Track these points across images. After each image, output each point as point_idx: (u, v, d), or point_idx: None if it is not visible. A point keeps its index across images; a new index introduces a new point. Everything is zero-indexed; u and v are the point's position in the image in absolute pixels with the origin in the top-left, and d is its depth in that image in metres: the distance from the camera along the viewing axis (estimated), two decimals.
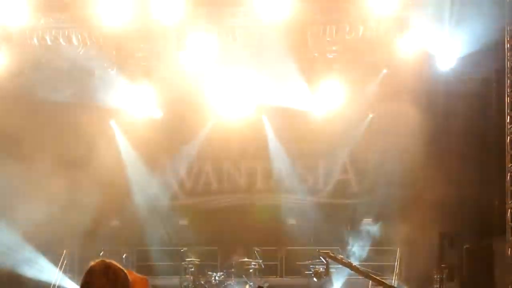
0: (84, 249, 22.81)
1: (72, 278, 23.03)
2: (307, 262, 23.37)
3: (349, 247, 23.53)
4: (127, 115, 24.34)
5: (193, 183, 25.94)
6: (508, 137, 20.63)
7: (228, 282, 22.94)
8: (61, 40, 21.58)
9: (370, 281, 21.77)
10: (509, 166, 20.58)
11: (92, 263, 4.40)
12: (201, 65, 22.15)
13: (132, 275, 4.61)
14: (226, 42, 21.44)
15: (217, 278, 22.76)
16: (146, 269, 22.72)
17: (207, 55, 21.76)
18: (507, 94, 20.67)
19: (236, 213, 25.03)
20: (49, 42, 21.67)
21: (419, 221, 21.96)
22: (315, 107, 23.85)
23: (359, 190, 24.94)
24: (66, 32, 21.50)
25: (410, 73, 22.08)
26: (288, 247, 24.54)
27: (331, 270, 22.41)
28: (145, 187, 24.91)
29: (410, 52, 21.16)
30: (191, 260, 23.14)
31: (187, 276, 22.95)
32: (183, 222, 25.39)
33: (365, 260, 23.04)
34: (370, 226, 23.77)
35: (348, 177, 25.25)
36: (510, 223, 20.49)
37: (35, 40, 21.58)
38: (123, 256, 22.88)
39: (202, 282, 22.78)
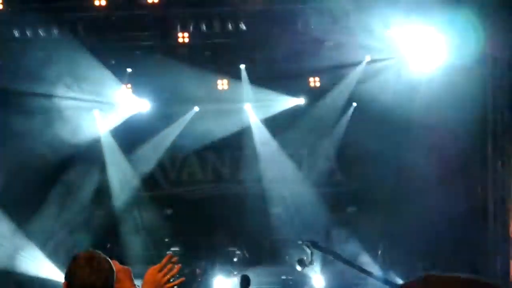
0: (68, 240, 22.82)
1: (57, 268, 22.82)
2: (291, 251, 22.67)
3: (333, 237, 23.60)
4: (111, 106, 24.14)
5: (177, 172, 25.90)
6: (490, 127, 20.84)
7: (212, 272, 22.98)
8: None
9: (354, 269, 22.10)
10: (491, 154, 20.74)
11: (76, 253, 4.40)
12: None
13: (116, 265, 4.59)
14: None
15: (201, 268, 22.85)
16: (130, 259, 22.76)
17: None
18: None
19: (220, 203, 24.83)
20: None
21: (403, 210, 22.00)
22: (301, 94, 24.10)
23: (343, 179, 24.98)
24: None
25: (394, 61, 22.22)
26: (273, 237, 24.44)
27: (315, 259, 22.45)
28: (127, 176, 24.81)
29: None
30: (175, 250, 22.99)
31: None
32: (168, 211, 25.36)
33: (350, 248, 22.51)
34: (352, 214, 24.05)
35: (332, 165, 25.20)
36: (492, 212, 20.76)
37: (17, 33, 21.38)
38: (107, 246, 22.66)
39: (186, 272, 22.40)
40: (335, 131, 24.40)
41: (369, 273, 21.16)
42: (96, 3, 19.94)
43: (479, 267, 20.67)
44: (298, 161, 25.31)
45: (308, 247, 21.98)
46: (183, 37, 21.12)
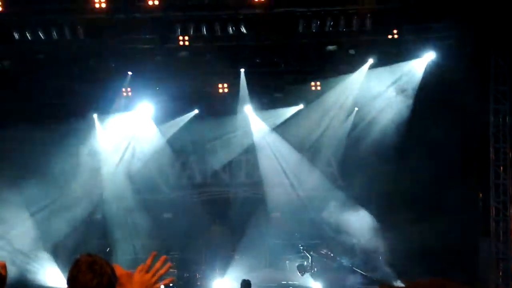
0: (68, 243, 22.76)
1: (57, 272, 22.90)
2: (290, 256, 23.38)
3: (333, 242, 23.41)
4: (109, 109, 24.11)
5: (177, 176, 25.66)
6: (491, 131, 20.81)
7: (212, 276, 22.89)
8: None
9: (354, 275, 21.94)
10: (493, 159, 20.73)
11: (77, 257, 4.32)
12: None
13: (119, 269, 4.54)
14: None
15: (201, 272, 22.85)
16: (130, 262, 22.71)
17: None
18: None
19: (220, 207, 24.87)
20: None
21: (402, 215, 21.99)
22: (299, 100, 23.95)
23: (342, 184, 24.54)
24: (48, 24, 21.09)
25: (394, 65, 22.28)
26: (273, 241, 24.10)
27: (315, 264, 22.56)
28: (129, 180, 24.76)
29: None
30: (174, 254, 22.96)
31: (171, 270, 22.57)
32: (168, 215, 25.23)
33: (349, 253, 22.84)
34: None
35: (332, 170, 24.95)
36: (494, 217, 20.80)
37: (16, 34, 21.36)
38: (107, 250, 22.79)
39: (186, 276, 22.71)
40: (335, 136, 24.28)
41: (370, 279, 21.60)
42: (97, 5, 19.90)
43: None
44: (297, 166, 25.01)
45: (308, 252, 22.42)
46: (183, 40, 21.20)
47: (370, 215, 22.68)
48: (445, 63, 21.30)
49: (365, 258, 22.64)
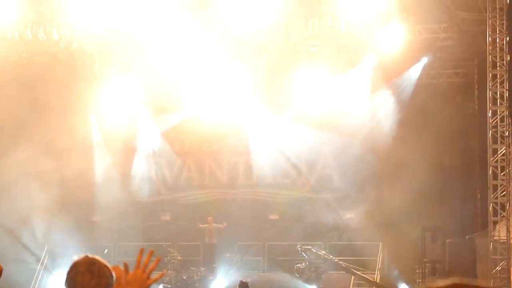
0: (65, 245, 22.60)
1: (53, 274, 23.05)
2: (289, 258, 23.42)
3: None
4: (108, 110, 24.36)
5: (175, 178, 25.79)
6: (490, 132, 20.89)
7: (211, 278, 22.97)
8: (42, 34, 21.71)
9: (353, 276, 22.07)
10: (491, 160, 20.81)
11: (75, 258, 4.24)
12: (182, 60, 22.23)
13: (119, 270, 4.53)
14: (209, 36, 21.54)
15: (199, 273, 22.77)
16: (131, 264, 22.51)
17: (189, 50, 21.88)
18: (489, 89, 20.86)
19: (218, 208, 24.92)
20: (29, 37, 21.78)
21: (401, 216, 22.14)
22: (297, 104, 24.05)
23: (341, 185, 24.64)
24: (48, 26, 21.61)
25: (390, 67, 22.52)
26: (270, 242, 24.51)
27: (314, 265, 22.54)
28: (125, 182, 24.93)
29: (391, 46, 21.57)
30: (173, 255, 23.20)
31: (170, 271, 22.82)
32: (165, 217, 25.37)
33: (348, 255, 23.11)
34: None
35: (331, 172, 25.11)
36: (492, 218, 20.84)
37: (16, 35, 21.68)
38: (105, 252, 22.67)
39: (185, 278, 22.74)
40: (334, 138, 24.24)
41: (368, 280, 21.64)
42: None
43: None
44: (296, 167, 25.23)
45: (306, 253, 22.43)
46: None
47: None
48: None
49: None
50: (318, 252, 22.49)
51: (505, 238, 20.39)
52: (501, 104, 20.80)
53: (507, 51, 20.37)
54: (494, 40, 20.68)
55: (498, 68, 20.69)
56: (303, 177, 25.27)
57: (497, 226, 20.70)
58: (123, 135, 24.63)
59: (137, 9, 20.70)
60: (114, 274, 4.29)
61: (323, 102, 23.81)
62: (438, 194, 22.92)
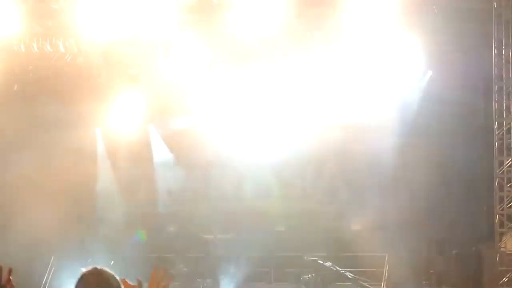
0: (72, 257, 22.38)
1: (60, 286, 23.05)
2: (296, 270, 23.39)
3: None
4: (113, 124, 24.30)
5: (180, 189, 25.39)
6: (496, 143, 20.96)
7: None
8: (48, 47, 21.83)
9: None
10: (497, 172, 20.90)
11: (83, 270, 4.34)
12: (189, 73, 22.22)
13: (126, 284, 4.55)
14: (214, 49, 21.64)
15: (204, 284, 22.90)
16: (133, 277, 22.43)
17: (195, 63, 21.85)
18: (495, 100, 20.96)
19: (224, 220, 24.57)
20: (35, 49, 21.83)
21: (407, 227, 22.03)
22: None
23: (347, 196, 24.26)
24: (54, 39, 21.64)
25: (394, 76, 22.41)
26: (277, 254, 24.18)
27: (320, 277, 22.66)
28: (131, 194, 24.70)
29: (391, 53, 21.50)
30: (179, 268, 23.05)
31: (176, 283, 22.46)
32: (171, 228, 25.24)
33: (354, 266, 23.09)
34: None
35: (337, 182, 24.59)
36: (498, 229, 21.00)
37: (22, 47, 21.73)
38: (111, 263, 21.57)
39: None
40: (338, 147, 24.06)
41: None
42: None
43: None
44: (302, 178, 25.00)
45: (313, 265, 22.48)
46: None
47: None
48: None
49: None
50: (324, 264, 22.70)
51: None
52: (507, 116, 20.98)
53: None
54: (500, 53, 20.85)
55: (504, 81, 20.90)
56: (309, 188, 24.78)
57: (504, 238, 20.91)
58: (128, 148, 24.44)
59: (143, 20, 20.66)
60: (122, 286, 4.43)
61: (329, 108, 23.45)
62: (444, 204, 22.81)
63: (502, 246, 20.88)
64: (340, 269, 22.56)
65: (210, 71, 22.45)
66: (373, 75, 22.35)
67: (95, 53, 22.06)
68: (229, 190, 25.31)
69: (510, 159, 20.89)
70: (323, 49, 21.63)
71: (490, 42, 20.66)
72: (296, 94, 23.12)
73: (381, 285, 22.58)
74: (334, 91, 22.94)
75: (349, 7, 20.44)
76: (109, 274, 4.39)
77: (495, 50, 20.58)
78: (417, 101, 22.76)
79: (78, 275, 4.30)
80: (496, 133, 20.90)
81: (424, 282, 22.56)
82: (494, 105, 20.92)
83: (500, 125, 20.90)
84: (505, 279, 20.45)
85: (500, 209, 20.84)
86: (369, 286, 22.29)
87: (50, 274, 23.50)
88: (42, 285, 23.16)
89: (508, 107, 20.81)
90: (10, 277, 4.08)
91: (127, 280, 4.61)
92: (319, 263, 22.56)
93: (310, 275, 22.76)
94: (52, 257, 23.67)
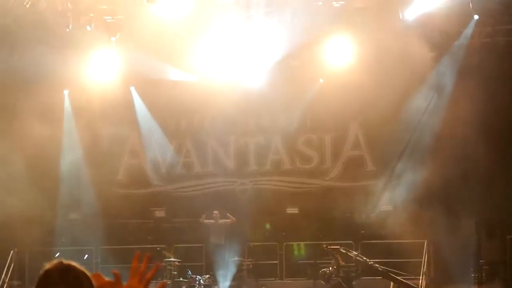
0: (36, 249, 22.80)
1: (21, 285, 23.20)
2: (312, 261, 23.25)
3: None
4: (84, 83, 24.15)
5: (170, 165, 25.66)
6: None
7: (215, 287, 22.76)
8: None
9: (392, 283, 21.68)
10: None
11: (47, 265, 4.19)
12: (174, 20, 22.20)
13: (100, 279, 4.46)
14: None
15: (202, 281, 22.42)
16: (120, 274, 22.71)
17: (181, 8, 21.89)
18: None
19: (223, 201, 24.69)
20: None
21: (451, 208, 22.14)
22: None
23: (375, 169, 24.74)
24: None
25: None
26: (289, 242, 24.34)
27: (344, 270, 21.95)
28: (107, 171, 24.92)
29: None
30: (170, 261, 22.82)
31: (166, 280, 22.31)
32: (160, 213, 25.22)
33: (386, 256, 22.85)
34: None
35: (361, 153, 25.03)
36: None
37: None
38: (85, 257, 22.88)
39: (184, 287, 22.50)
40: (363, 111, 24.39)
41: (403, 283, 20.92)
42: None
43: None
44: (319, 150, 25.17)
45: (334, 255, 21.99)
46: None
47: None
48: None
49: None
50: (349, 253, 21.92)
51: None
52: None
53: None
54: None
55: None
56: (327, 161, 25.18)
57: None
58: (103, 113, 24.32)
59: None
60: (94, 284, 4.24)
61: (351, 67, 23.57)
62: (494, 177, 22.62)
63: None
64: (368, 260, 21.97)
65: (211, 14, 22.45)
66: None
67: None
68: (229, 165, 25.80)
69: None
70: None
71: None
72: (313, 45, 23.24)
73: (419, 278, 22.33)
74: None
75: None
76: (78, 270, 4.18)
77: None
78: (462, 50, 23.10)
79: (41, 271, 4.16)
80: None
81: (472, 275, 22.48)
82: None
83: None
84: None
85: None
86: (404, 280, 21.44)
87: (9, 272, 23.41)
88: None
89: None
90: None
91: (101, 275, 4.46)
92: (342, 252, 21.97)
93: (330, 268, 22.06)
94: (11, 251, 23.69)
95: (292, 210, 24.93)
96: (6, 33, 23.12)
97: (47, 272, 4.18)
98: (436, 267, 22.97)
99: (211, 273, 23.28)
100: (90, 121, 24.70)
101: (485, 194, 22.56)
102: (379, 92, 23.12)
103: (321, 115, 24.63)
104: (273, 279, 24.13)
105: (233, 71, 23.85)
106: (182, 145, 25.71)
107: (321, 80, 24.51)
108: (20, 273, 23.70)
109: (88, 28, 22.67)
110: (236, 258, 23.48)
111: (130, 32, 23.05)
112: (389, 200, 24.02)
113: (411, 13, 22.52)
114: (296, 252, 24.63)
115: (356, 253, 22.30)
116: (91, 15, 22.81)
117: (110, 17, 23.01)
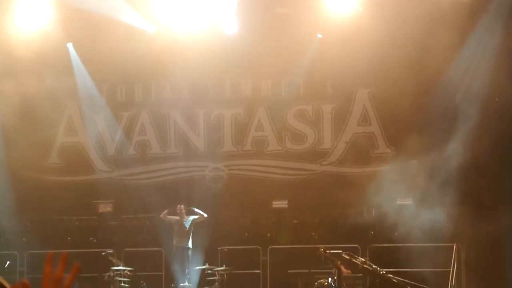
0: None
1: None
2: (305, 270, 22.37)
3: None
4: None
5: (118, 144, 24.75)
6: None
7: None
8: None
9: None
10: None
11: None
12: None
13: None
14: None
15: None
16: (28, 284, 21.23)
17: None
18: None
19: (190, 192, 23.72)
20: None
21: (491, 204, 21.43)
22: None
23: (389, 151, 23.96)
24: None
25: None
26: (274, 246, 23.54)
27: (347, 281, 20.20)
28: (35, 151, 23.87)
29: None
30: (118, 269, 21.86)
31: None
32: (106, 208, 24.37)
33: (402, 264, 21.83)
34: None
35: (371, 129, 24.23)
36: None
37: None
38: (6, 265, 22.75)
39: None
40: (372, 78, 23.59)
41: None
42: None
43: None
44: (316, 125, 24.27)
45: (334, 262, 20.29)
46: None
47: None
48: None
49: None
50: (353, 260, 19.75)
51: None
52: None
53: None
54: None
55: None
56: (325, 140, 24.28)
57: None
58: (29, 76, 23.54)
59: None
60: None
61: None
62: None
63: None
64: (378, 268, 20.19)
65: None
66: None
67: None
68: (198, 144, 25.04)
69: None
70: None
71: None
72: None
73: None
74: None
75: None
76: None
77: None
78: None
79: None
80: None
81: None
82: None
83: None
84: None
85: None
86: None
87: None
88: None
89: None
90: None
91: (28, 283, 3.85)
92: (345, 258, 20.12)
93: (329, 279, 20.51)
94: None
95: (279, 204, 24.18)
96: None
97: None
98: (468, 279, 22.39)
99: (172, 285, 22.61)
100: (10, 87, 23.23)
101: None
102: (395, 48, 21.90)
103: (318, 80, 23.65)
104: None
105: (202, 21, 22.58)
106: (135, 119, 24.68)
107: (319, 36, 22.79)
108: None
109: None
110: (206, 266, 22.45)
111: None
112: (407, 192, 22.49)
113: None
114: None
115: (363, 260, 19.64)
116: None
117: None
